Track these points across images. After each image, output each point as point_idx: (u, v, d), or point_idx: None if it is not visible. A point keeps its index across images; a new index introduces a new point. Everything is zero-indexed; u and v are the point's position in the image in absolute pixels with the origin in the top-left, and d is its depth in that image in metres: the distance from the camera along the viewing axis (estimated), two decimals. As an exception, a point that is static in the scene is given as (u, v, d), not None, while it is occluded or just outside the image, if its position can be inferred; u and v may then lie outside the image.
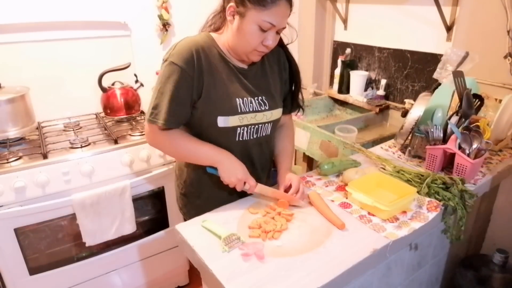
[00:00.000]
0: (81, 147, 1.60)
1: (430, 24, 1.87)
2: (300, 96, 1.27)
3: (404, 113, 1.56)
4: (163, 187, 1.78)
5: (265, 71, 1.16)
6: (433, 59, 1.89)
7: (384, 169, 1.28)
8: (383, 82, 2.17)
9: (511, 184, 1.58)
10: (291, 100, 1.26)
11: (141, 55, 2.10)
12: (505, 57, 1.53)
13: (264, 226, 0.98)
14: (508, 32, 1.50)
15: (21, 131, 1.66)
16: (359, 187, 1.08)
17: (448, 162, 1.30)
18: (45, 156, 1.51)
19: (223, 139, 1.11)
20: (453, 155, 1.23)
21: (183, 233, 0.98)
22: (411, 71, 2.04)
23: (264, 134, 1.17)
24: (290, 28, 1.09)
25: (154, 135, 1.08)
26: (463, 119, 1.25)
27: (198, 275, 0.95)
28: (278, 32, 1.04)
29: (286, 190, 1.12)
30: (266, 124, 1.15)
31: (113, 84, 1.90)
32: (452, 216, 1.10)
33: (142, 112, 1.98)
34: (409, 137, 1.41)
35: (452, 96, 1.34)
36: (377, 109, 2.13)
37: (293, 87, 1.25)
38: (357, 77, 2.27)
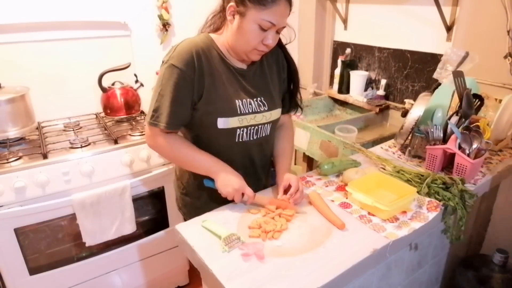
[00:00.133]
0: (81, 147, 1.60)
1: (430, 24, 1.87)
2: (298, 96, 1.27)
3: (404, 113, 1.56)
4: (163, 187, 1.78)
5: (264, 72, 1.16)
6: (433, 59, 1.89)
7: (384, 169, 1.28)
8: (383, 82, 2.17)
9: (511, 184, 1.59)
10: (289, 100, 1.27)
11: (141, 55, 2.10)
12: (505, 57, 1.53)
13: (264, 226, 0.98)
14: (508, 32, 1.50)
15: (21, 131, 1.66)
16: (359, 187, 1.08)
17: (448, 162, 1.30)
18: (45, 156, 1.51)
19: (223, 140, 1.11)
20: (453, 155, 1.22)
21: (183, 233, 0.98)
22: (411, 71, 2.04)
23: (264, 135, 1.17)
24: (289, 28, 1.09)
25: (155, 138, 1.08)
26: (463, 119, 1.25)
27: (198, 275, 0.95)
28: (278, 32, 1.04)
29: (286, 190, 1.12)
30: (266, 125, 1.15)
31: (113, 84, 1.90)
32: (452, 216, 1.10)
33: (142, 112, 1.98)
34: (409, 137, 1.41)
35: (452, 96, 1.34)
36: (377, 109, 2.13)
37: (291, 87, 1.25)
38: (357, 77, 2.27)
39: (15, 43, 1.77)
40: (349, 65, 2.33)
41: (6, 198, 1.42)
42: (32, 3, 1.74)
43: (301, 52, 2.58)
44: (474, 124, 1.25)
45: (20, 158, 1.52)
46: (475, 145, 1.20)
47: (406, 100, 2.02)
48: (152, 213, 1.83)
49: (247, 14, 0.97)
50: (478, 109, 1.36)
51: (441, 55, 1.49)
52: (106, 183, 1.58)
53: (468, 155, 1.19)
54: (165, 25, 2.11)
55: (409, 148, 1.42)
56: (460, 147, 1.22)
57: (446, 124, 1.27)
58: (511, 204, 1.62)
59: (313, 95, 2.53)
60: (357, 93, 2.29)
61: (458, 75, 1.25)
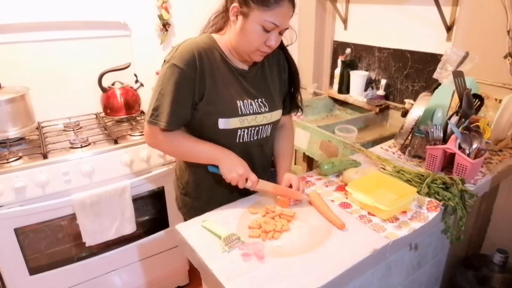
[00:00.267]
0: (81, 147, 1.60)
1: (430, 24, 1.87)
2: (299, 97, 1.27)
3: (404, 113, 1.56)
4: (163, 187, 1.78)
5: (265, 73, 1.16)
6: (433, 59, 1.89)
7: (384, 169, 1.28)
8: (383, 82, 2.17)
9: (511, 184, 1.59)
10: (290, 101, 1.27)
11: (141, 55, 2.10)
12: (505, 57, 1.53)
13: (264, 226, 0.98)
14: (508, 32, 1.50)
15: (21, 131, 1.66)
16: (359, 187, 1.08)
17: (448, 162, 1.30)
18: (45, 156, 1.51)
19: (224, 141, 1.11)
20: (453, 155, 1.22)
21: (183, 233, 0.98)
22: (411, 71, 2.04)
23: (264, 136, 1.17)
24: (290, 29, 1.09)
25: (154, 136, 1.08)
26: (463, 119, 1.25)
27: (198, 275, 0.95)
28: (280, 33, 1.04)
29: (287, 190, 1.13)
30: (266, 126, 1.16)
31: (113, 84, 1.90)
32: (452, 216, 1.10)
33: (142, 112, 1.98)
34: (409, 137, 1.41)
35: (452, 96, 1.34)
36: (377, 109, 2.13)
37: (292, 88, 1.26)
38: (357, 77, 2.27)
39: (15, 43, 1.77)
40: (349, 65, 2.33)
41: (6, 198, 1.42)
42: (32, 3, 1.74)
43: (301, 52, 2.58)
44: (474, 124, 1.25)
45: (20, 158, 1.52)
46: (475, 145, 1.20)
47: (406, 100, 2.02)
48: (152, 213, 1.83)
49: (250, 15, 0.97)
50: (478, 109, 1.36)
51: (441, 55, 1.49)
52: (106, 183, 1.58)
53: (468, 155, 1.19)
54: (165, 25, 2.11)
55: (409, 148, 1.42)
56: (460, 147, 1.22)
57: (446, 124, 1.27)
58: (511, 204, 1.62)
59: (313, 95, 2.53)
60: (357, 93, 2.29)
61: (458, 75, 1.25)
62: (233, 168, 1.07)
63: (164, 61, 1.05)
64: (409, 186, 1.11)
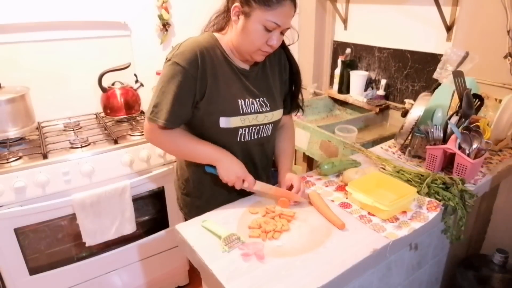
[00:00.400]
0: (81, 147, 1.60)
1: (430, 24, 1.87)
2: (300, 97, 1.27)
3: (404, 113, 1.56)
4: (163, 187, 1.78)
5: (266, 73, 1.16)
6: (433, 59, 1.89)
7: (384, 169, 1.28)
8: (383, 82, 2.17)
9: (511, 184, 1.58)
10: (290, 101, 1.27)
11: (141, 55, 2.10)
12: (505, 57, 1.53)
13: (264, 226, 0.98)
14: (508, 32, 1.50)
15: (21, 131, 1.66)
16: (359, 187, 1.08)
17: (448, 162, 1.30)
18: (45, 156, 1.51)
19: (225, 140, 1.11)
20: (453, 155, 1.22)
21: (183, 233, 0.98)
22: (411, 71, 2.04)
23: (265, 135, 1.17)
24: (292, 29, 1.09)
25: (153, 133, 1.08)
26: (463, 119, 1.25)
27: (198, 275, 0.95)
28: (282, 33, 1.04)
29: (288, 190, 1.13)
30: (267, 125, 1.15)
31: (113, 84, 1.90)
32: (452, 216, 1.10)
33: (142, 112, 1.98)
34: (409, 137, 1.41)
35: (452, 96, 1.34)
36: (377, 109, 2.13)
37: (293, 88, 1.25)
38: (357, 77, 2.27)
39: (15, 43, 1.77)
40: (349, 65, 2.33)
41: (6, 198, 1.42)
42: (32, 3, 1.74)
43: (301, 52, 2.58)
44: (474, 124, 1.25)
45: (20, 158, 1.52)
46: (475, 145, 1.20)
47: (406, 100, 2.02)
48: (152, 213, 1.83)
49: (252, 14, 0.97)
50: (478, 109, 1.36)
51: (441, 55, 1.49)
52: (106, 183, 1.58)
53: (468, 155, 1.19)
54: (165, 25, 2.11)
55: (409, 148, 1.42)
56: (460, 147, 1.22)
57: (446, 124, 1.27)
58: (511, 204, 1.62)
59: (313, 95, 2.53)
60: (357, 93, 2.29)
61: (458, 75, 1.25)
62: (231, 169, 1.07)
63: (166, 59, 1.05)
64: (409, 186, 1.11)
